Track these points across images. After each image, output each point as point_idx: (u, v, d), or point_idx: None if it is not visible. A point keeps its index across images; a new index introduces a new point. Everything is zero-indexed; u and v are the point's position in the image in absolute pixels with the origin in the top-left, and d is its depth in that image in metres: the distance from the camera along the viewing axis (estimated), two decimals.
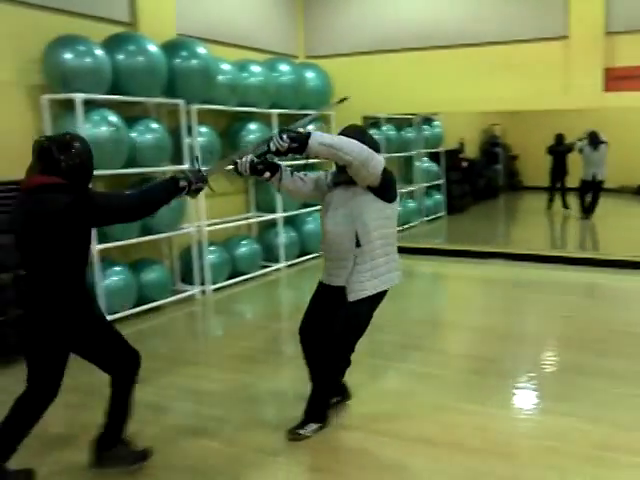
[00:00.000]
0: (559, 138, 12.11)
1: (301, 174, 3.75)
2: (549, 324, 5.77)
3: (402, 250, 9.48)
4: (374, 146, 3.53)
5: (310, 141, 3.18)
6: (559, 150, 12.11)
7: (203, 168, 3.34)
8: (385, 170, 3.43)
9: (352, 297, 3.52)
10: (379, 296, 3.59)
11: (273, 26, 8.95)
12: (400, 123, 10.98)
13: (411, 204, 11.04)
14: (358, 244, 3.50)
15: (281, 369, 4.84)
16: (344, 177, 3.53)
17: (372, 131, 9.79)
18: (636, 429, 3.61)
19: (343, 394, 3.99)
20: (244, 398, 4.16)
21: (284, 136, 3.19)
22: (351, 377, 3.95)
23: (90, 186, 3.14)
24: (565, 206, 12.05)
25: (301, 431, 3.59)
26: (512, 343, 5.21)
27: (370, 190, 3.47)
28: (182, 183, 3.10)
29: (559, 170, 12.19)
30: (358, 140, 3.38)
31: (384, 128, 10.15)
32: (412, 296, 6.90)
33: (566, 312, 6.05)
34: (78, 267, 3.02)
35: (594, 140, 11.14)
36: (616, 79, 7.75)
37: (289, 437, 3.57)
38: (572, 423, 3.68)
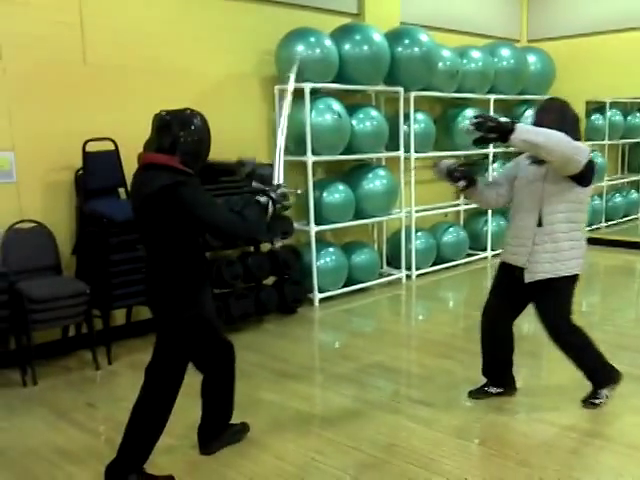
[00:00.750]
0: None
1: (490, 180, 3.79)
2: None
3: (620, 244, 8.95)
4: (575, 125, 3.46)
5: (513, 135, 3.17)
6: None
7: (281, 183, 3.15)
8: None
9: (527, 278, 3.52)
10: (561, 281, 3.52)
11: (495, 10, 8.79)
12: (627, 107, 10.22)
13: (634, 195, 10.28)
14: (540, 223, 3.46)
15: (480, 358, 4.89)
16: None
17: (595, 116, 9.26)
18: None
19: (509, 386, 4.00)
20: (443, 384, 4.30)
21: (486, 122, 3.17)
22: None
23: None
24: None
25: (596, 401, 3.74)
26: None
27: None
28: (266, 203, 3.00)
29: None
30: (558, 119, 3.36)
31: (608, 113, 9.52)
32: (629, 293, 6.55)
33: None
34: (188, 251, 2.95)
35: None
36: None
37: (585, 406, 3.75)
38: None
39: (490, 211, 7.88)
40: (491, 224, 7.97)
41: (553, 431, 3.58)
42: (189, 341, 3.06)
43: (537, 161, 3.54)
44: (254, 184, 3.11)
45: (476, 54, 7.54)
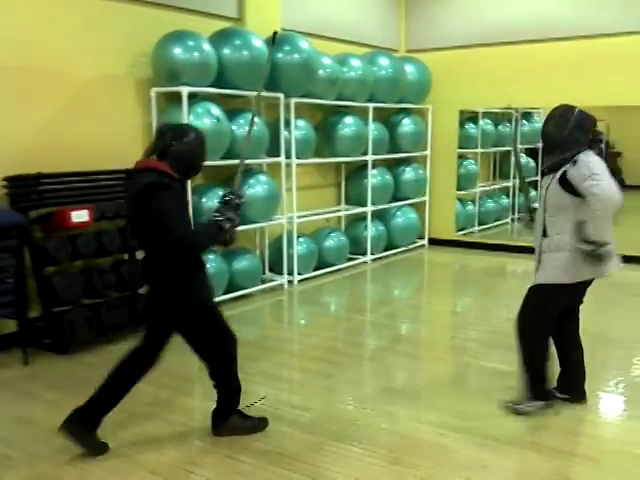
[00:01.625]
0: None
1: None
2: None
3: (493, 247, 9.38)
4: (580, 127, 3.57)
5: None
6: None
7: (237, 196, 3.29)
8: None
9: (532, 283, 3.78)
10: (558, 289, 3.67)
11: (375, 20, 9.02)
12: (498, 117, 10.81)
13: (505, 200, 10.87)
14: (545, 234, 3.67)
15: (362, 361, 5.01)
16: (547, 163, 3.72)
17: (469, 125, 9.71)
18: None
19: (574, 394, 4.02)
20: (324, 387, 4.33)
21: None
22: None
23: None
24: None
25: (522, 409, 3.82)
26: (608, 346, 5.14)
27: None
28: (226, 225, 3.17)
29: None
30: (560, 124, 3.57)
31: (481, 122, 10.02)
32: (501, 295, 6.89)
33: None
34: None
35: None
36: None
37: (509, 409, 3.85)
38: None
39: (370, 216, 8.06)
40: (371, 229, 8.14)
41: (426, 429, 3.69)
42: (192, 329, 3.35)
43: (546, 168, 3.75)
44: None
45: (356, 62, 7.70)
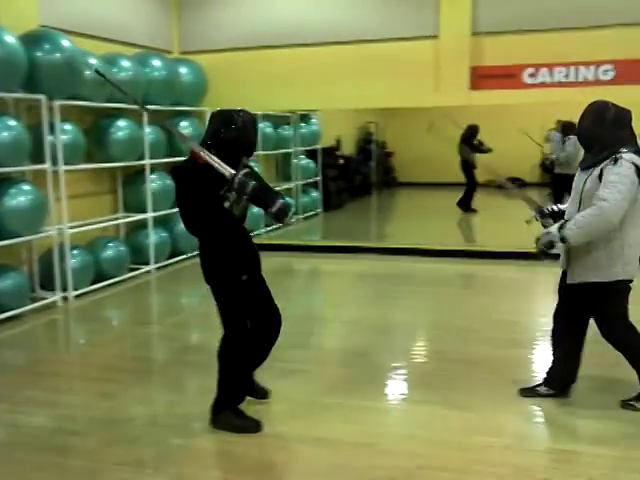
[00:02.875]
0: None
1: None
2: (421, 315, 6.05)
3: (279, 248, 9.51)
4: (616, 124, 3.53)
5: (569, 242, 3.54)
6: None
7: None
8: None
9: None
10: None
11: (145, 19, 8.68)
12: (277, 121, 11.01)
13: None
14: None
15: (149, 376, 4.72)
16: (588, 161, 3.65)
17: None
18: (491, 411, 3.83)
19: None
20: (107, 409, 4.01)
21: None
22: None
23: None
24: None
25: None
26: (386, 335, 5.40)
27: None
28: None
29: None
30: (595, 121, 3.55)
31: (261, 125, 10.11)
32: (289, 293, 6.96)
33: (438, 302, 6.39)
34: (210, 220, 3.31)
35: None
36: (481, 78, 8.17)
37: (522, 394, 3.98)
38: (436, 410, 3.86)
39: (151, 223, 7.71)
40: (153, 236, 7.79)
41: (213, 438, 3.58)
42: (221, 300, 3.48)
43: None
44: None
45: (126, 63, 7.32)
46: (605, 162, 3.52)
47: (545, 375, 4.03)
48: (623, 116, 3.61)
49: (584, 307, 3.78)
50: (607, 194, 3.41)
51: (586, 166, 3.66)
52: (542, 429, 3.78)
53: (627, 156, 3.48)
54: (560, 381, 3.97)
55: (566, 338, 3.92)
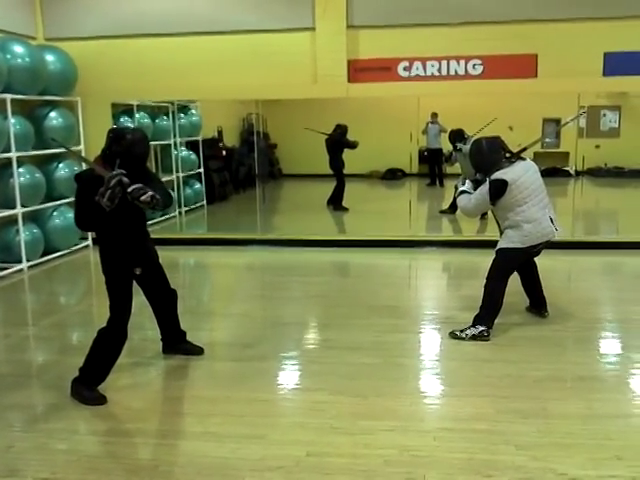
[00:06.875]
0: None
1: None
2: (308, 305, 6.07)
3: (163, 242, 9.30)
4: (490, 155, 4.77)
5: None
6: None
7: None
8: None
9: None
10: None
11: (4, 1, 8.08)
12: (155, 111, 10.67)
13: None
14: None
15: (28, 380, 4.43)
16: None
17: (124, 118, 9.39)
18: (377, 396, 3.93)
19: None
20: None
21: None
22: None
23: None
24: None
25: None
26: (273, 327, 5.41)
27: None
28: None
29: None
30: (477, 160, 4.89)
31: (137, 116, 9.77)
32: (176, 288, 6.71)
33: (323, 291, 6.45)
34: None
35: None
36: (358, 71, 8.30)
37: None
38: (325, 398, 3.90)
39: (21, 219, 7.24)
40: (23, 233, 7.32)
41: (91, 440, 3.44)
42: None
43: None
44: None
45: None
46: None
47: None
48: (490, 149, 4.79)
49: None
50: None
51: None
52: (426, 410, 3.90)
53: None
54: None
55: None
